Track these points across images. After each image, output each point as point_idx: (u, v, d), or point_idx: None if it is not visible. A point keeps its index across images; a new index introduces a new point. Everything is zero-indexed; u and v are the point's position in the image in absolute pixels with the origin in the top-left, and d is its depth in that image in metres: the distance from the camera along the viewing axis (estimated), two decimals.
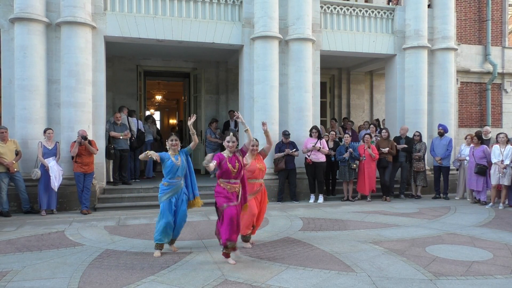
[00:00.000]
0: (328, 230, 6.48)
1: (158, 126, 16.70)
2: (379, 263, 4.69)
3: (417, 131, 10.01)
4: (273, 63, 9.50)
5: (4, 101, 8.30)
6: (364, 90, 13.82)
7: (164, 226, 4.99)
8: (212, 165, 4.55)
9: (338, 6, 10.49)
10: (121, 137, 9.28)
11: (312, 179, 9.37)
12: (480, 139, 9.20)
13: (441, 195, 9.91)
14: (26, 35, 7.99)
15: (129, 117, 10.00)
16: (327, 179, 9.83)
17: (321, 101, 10.53)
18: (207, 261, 4.81)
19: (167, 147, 5.16)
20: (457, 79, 12.04)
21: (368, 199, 9.54)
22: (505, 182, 8.46)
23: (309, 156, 9.22)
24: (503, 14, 13.69)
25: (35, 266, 4.63)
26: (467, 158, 9.41)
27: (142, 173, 11.04)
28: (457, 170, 10.11)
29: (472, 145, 9.26)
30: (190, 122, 5.16)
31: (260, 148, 5.80)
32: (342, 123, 12.20)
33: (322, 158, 9.27)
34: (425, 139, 10.33)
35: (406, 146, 9.77)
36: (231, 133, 4.89)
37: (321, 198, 9.37)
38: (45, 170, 7.67)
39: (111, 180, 9.30)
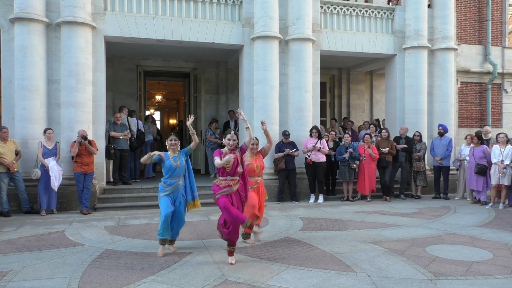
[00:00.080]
0: (328, 230, 6.48)
1: (158, 126, 16.71)
2: (379, 263, 4.69)
3: (417, 131, 10.01)
4: (273, 63, 9.50)
5: (4, 101, 8.30)
6: (364, 90, 13.82)
7: (164, 219, 4.99)
8: (228, 157, 4.55)
9: (338, 6, 10.49)
10: (121, 137, 9.28)
11: (312, 179, 9.37)
12: (480, 139, 9.20)
13: (441, 195, 9.91)
14: (26, 35, 7.99)
15: (129, 117, 10.00)
16: (327, 179, 9.83)
17: (321, 101, 10.53)
18: (207, 261, 4.81)
19: (167, 147, 5.17)
20: (457, 79, 12.04)
21: (368, 199, 9.54)
22: (505, 182, 8.46)
23: (309, 156, 9.22)
24: (503, 14, 13.69)
25: (35, 266, 4.63)
26: (467, 158, 9.41)
27: (142, 173, 11.05)
28: (457, 170, 10.11)
29: (472, 145, 9.26)
30: (189, 122, 5.15)
31: (260, 147, 5.80)
32: (342, 123, 12.20)
33: (322, 158, 9.27)
34: (425, 139, 10.34)
35: (406, 146, 9.77)
36: (232, 131, 4.87)
37: (321, 198, 9.37)
38: (45, 170, 7.67)
39: (111, 180, 9.30)
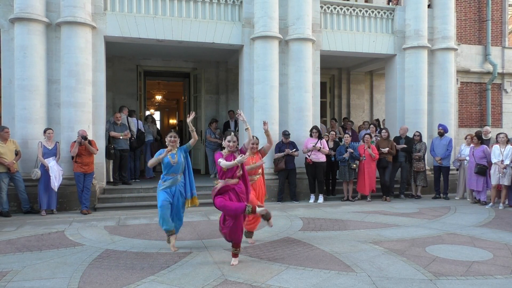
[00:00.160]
0: (328, 230, 6.48)
1: (158, 126, 16.71)
2: (379, 263, 4.69)
3: (417, 131, 10.01)
4: (273, 63, 9.50)
5: (4, 101, 8.30)
6: (364, 90, 13.82)
7: (160, 210, 5.01)
8: (239, 158, 4.52)
9: (338, 6, 10.49)
10: (121, 137, 9.27)
11: (312, 179, 9.37)
12: (480, 139, 9.20)
13: (441, 195, 9.91)
14: (26, 35, 7.99)
15: (128, 117, 10.00)
16: (327, 179, 9.83)
17: (321, 101, 10.53)
18: (207, 261, 4.81)
19: (166, 143, 5.19)
20: (457, 79, 12.04)
21: (368, 199, 9.54)
22: (505, 182, 8.46)
23: (309, 156, 9.21)
24: (503, 14, 13.69)
25: (35, 266, 4.63)
26: (467, 158, 9.41)
27: (142, 173, 11.05)
28: (457, 170, 10.11)
29: (472, 145, 9.26)
30: (189, 119, 5.16)
31: (260, 146, 5.80)
32: (342, 123, 12.20)
33: (322, 158, 9.27)
34: (425, 139, 10.33)
35: (405, 146, 9.77)
36: (232, 133, 4.85)
37: (321, 198, 9.37)
38: (45, 170, 7.67)
39: (111, 180, 9.30)
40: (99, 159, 8.63)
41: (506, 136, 8.74)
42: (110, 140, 9.24)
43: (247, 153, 5.36)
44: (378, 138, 10.06)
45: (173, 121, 23.85)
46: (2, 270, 4.48)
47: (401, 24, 10.88)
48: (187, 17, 9.29)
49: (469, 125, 13.25)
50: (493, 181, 8.63)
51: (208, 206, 7.87)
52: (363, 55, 11.05)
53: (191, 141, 5.25)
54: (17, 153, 7.68)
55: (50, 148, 7.85)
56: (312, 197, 9.39)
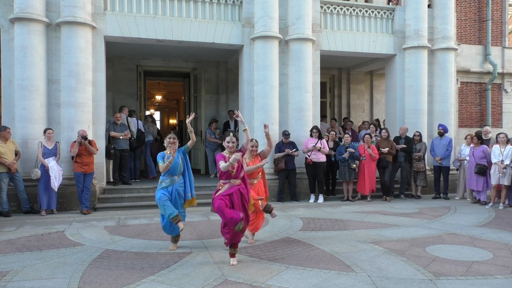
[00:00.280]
0: (328, 230, 6.48)
1: (158, 126, 16.70)
2: (379, 263, 4.69)
3: (417, 131, 10.01)
4: (273, 63, 9.50)
5: (4, 101, 8.30)
6: (364, 90, 13.82)
7: (159, 202, 5.02)
8: (233, 157, 4.49)
9: (338, 6, 10.49)
10: (121, 137, 9.27)
11: (312, 179, 9.37)
12: (480, 139, 9.20)
13: (441, 195, 9.91)
14: (26, 35, 7.99)
15: (128, 117, 10.00)
16: (327, 179, 9.83)
17: (321, 101, 10.53)
18: (207, 261, 4.81)
19: (165, 145, 5.19)
20: (457, 79, 12.04)
21: (368, 199, 9.54)
22: (505, 182, 8.46)
23: (309, 156, 9.22)
24: (503, 14, 13.69)
25: (35, 266, 4.63)
26: (467, 158, 9.41)
27: (142, 173, 11.05)
28: (457, 170, 10.11)
29: (472, 145, 9.26)
30: (188, 120, 5.16)
31: (260, 149, 5.78)
32: (342, 123, 12.20)
33: (323, 158, 9.27)
34: (425, 139, 10.34)
35: (405, 146, 9.77)
36: (231, 134, 4.84)
37: (321, 198, 9.37)
38: (45, 170, 7.67)
39: (111, 180, 9.30)
40: (99, 159, 8.63)
41: (506, 136, 8.74)
42: (110, 140, 9.24)
43: (246, 155, 5.36)
44: (378, 138, 10.06)
45: (173, 121, 23.85)
46: (2, 270, 4.48)
47: (401, 24, 10.88)
48: (187, 17, 9.29)
49: (469, 125, 13.25)
50: (493, 181, 8.63)
51: (208, 206, 7.85)
52: (363, 55, 11.05)
53: (189, 143, 5.25)
54: (16, 153, 7.68)
55: (50, 148, 7.85)
56: (312, 197, 9.39)
